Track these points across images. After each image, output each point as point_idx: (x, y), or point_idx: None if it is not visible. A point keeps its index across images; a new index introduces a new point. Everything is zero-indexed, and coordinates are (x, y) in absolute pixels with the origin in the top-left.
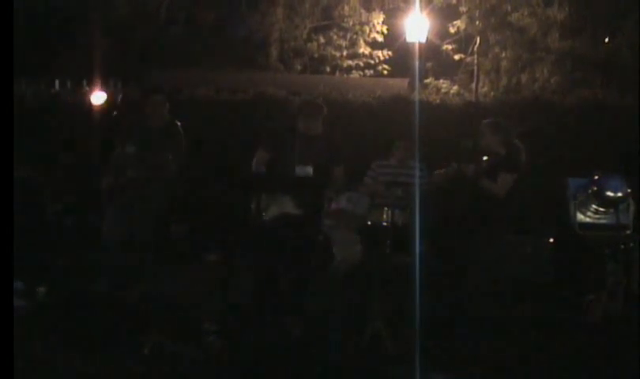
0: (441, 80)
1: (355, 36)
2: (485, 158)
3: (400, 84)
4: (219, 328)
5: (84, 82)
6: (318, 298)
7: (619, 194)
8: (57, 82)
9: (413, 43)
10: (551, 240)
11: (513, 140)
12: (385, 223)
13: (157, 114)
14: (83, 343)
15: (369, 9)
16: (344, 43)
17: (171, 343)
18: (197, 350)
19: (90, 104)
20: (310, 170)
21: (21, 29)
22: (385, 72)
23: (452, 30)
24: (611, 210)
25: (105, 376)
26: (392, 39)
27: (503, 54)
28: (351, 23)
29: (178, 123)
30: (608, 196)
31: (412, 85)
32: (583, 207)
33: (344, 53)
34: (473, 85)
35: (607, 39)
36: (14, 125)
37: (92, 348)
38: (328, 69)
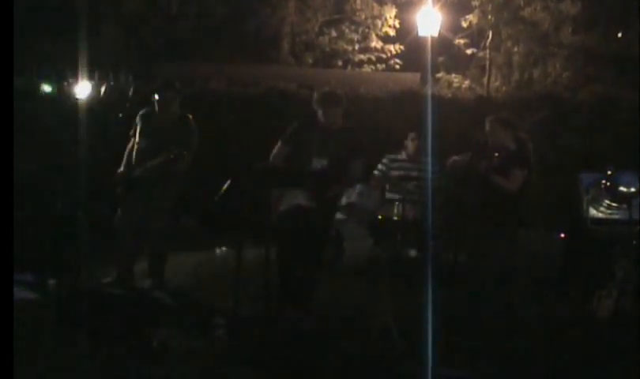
0: (453, 75)
1: (367, 30)
2: (496, 154)
3: (412, 78)
4: (227, 321)
5: (95, 76)
6: (328, 292)
7: (632, 189)
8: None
9: (425, 37)
10: (562, 235)
11: (520, 134)
12: (395, 218)
13: (168, 108)
14: (90, 336)
15: (381, 3)
16: (355, 37)
17: (179, 336)
18: (206, 343)
19: (101, 98)
20: (327, 163)
21: (31, 22)
22: (397, 66)
23: (464, 24)
24: (624, 205)
25: (112, 369)
26: (404, 33)
27: (515, 49)
28: (363, 17)
29: (190, 116)
30: (621, 191)
31: (423, 80)
32: (595, 202)
33: (356, 47)
34: (485, 80)
35: (619, 34)
36: (23, 119)
37: (100, 341)
38: (339, 63)
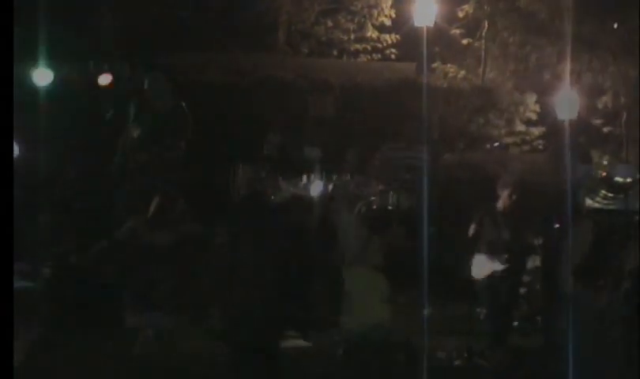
0: (448, 65)
1: (363, 20)
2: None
3: (407, 68)
4: (222, 311)
5: (91, 66)
6: (323, 283)
7: (629, 180)
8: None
9: (421, 28)
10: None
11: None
12: (390, 207)
13: (161, 97)
14: (85, 325)
15: None
16: (351, 27)
17: (172, 324)
18: (200, 332)
19: (97, 89)
20: (320, 152)
21: (28, 12)
22: (393, 56)
23: (460, 14)
24: (621, 195)
25: (107, 358)
26: (400, 23)
27: (511, 39)
28: (359, 6)
29: (184, 105)
30: (617, 181)
31: (419, 69)
32: (592, 192)
33: (352, 36)
34: (481, 70)
35: (615, 26)
36: (22, 110)
37: (94, 329)
38: (335, 52)
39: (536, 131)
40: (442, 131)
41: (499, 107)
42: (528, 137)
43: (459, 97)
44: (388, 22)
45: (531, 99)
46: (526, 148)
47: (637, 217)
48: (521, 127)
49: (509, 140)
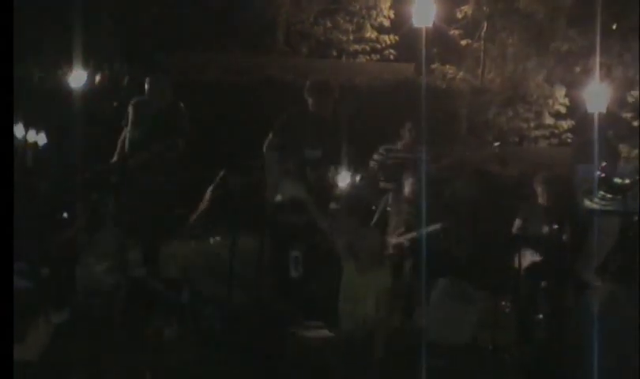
0: (447, 66)
1: (362, 20)
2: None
3: (406, 69)
4: (220, 312)
5: (90, 65)
6: (320, 282)
7: (627, 181)
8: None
9: (420, 28)
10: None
11: None
12: (389, 208)
13: (160, 96)
14: (85, 328)
15: None
16: (350, 27)
17: (172, 327)
18: (199, 334)
19: (95, 87)
20: (319, 153)
21: (26, 10)
22: (392, 57)
23: (459, 15)
24: (619, 196)
25: (106, 356)
26: (399, 23)
27: (510, 40)
28: (358, 7)
29: (181, 104)
30: (616, 182)
31: (418, 70)
32: (591, 193)
33: (351, 37)
34: (479, 71)
35: (614, 26)
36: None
37: (94, 333)
38: (334, 53)
39: (565, 124)
40: (446, 131)
41: (529, 101)
42: (556, 131)
43: (460, 96)
44: (387, 23)
45: (560, 91)
46: (555, 141)
47: (635, 218)
48: (549, 120)
49: (537, 133)
